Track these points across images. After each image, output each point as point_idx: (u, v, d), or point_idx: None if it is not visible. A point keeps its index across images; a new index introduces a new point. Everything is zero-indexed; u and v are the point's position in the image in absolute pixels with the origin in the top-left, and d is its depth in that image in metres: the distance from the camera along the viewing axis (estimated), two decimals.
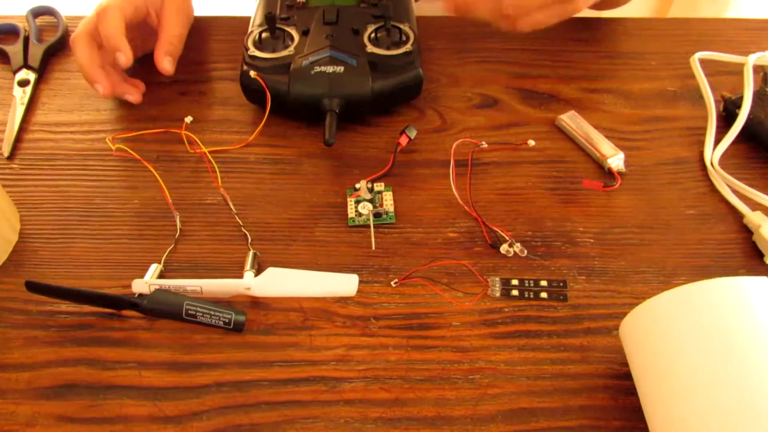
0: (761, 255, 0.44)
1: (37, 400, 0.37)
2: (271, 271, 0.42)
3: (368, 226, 0.45)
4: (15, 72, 0.57)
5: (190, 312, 0.40)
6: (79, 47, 0.51)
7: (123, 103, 0.55)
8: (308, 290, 0.42)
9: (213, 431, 0.36)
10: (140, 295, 0.41)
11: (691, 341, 0.32)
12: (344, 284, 0.42)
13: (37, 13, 0.62)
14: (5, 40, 0.60)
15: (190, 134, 0.51)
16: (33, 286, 0.40)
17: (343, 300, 0.42)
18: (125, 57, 0.50)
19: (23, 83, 0.56)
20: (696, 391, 0.31)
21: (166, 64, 0.53)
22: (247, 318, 0.40)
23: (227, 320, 0.40)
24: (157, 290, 0.40)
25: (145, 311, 0.40)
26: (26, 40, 0.59)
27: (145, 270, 0.43)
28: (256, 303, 0.42)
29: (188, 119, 0.51)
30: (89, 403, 0.37)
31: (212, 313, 0.40)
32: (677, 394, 0.32)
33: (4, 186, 0.46)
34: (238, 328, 0.40)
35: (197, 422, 0.37)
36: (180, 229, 0.45)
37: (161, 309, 0.40)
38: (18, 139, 0.52)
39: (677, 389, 0.32)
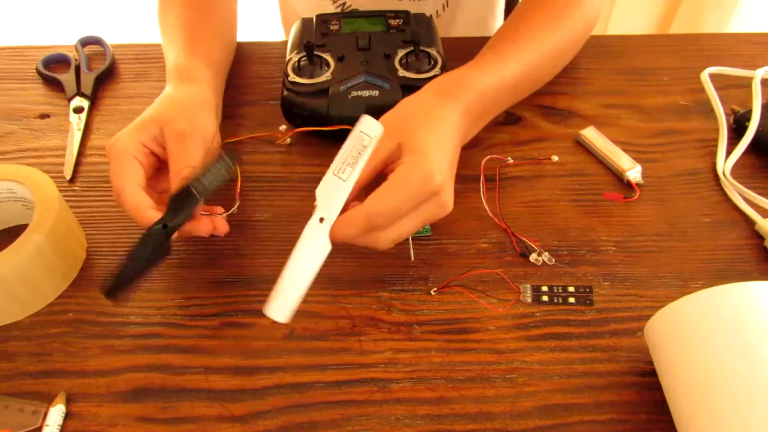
0: None
1: (117, 402, 0.41)
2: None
3: (406, 239, 0.49)
4: (70, 99, 0.61)
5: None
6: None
7: None
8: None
9: (276, 428, 0.40)
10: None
11: (713, 340, 0.36)
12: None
13: (85, 42, 0.67)
14: (58, 69, 0.64)
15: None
16: (110, 292, 0.41)
17: (387, 308, 0.46)
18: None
19: (78, 110, 0.60)
20: (718, 387, 0.34)
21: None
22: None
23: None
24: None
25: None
26: (77, 69, 0.64)
27: (204, 284, 0.47)
28: (308, 312, 0.45)
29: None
30: (163, 404, 0.41)
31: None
32: (702, 390, 0.35)
33: (68, 206, 0.50)
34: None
35: (262, 421, 0.40)
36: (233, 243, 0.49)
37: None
38: (77, 163, 0.56)
39: (701, 385, 0.35)
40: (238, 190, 0.50)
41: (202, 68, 0.54)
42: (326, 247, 0.42)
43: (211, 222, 0.45)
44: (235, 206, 0.49)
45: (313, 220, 0.42)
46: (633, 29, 1.30)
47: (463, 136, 0.50)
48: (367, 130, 0.43)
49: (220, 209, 0.47)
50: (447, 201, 0.44)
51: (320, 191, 0.42)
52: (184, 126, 0.46)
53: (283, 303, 0.40)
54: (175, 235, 0.43)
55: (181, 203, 0.42)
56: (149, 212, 0.43)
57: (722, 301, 0.36)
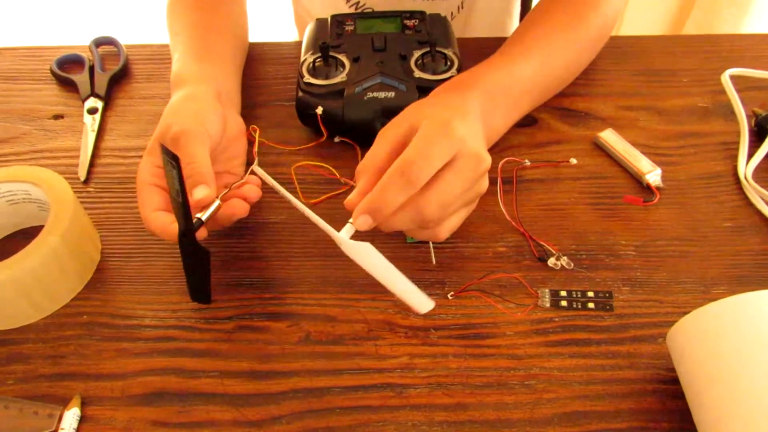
0: None
1: (132, 406, 0.41)
2: (367, 246, 0.41)
3: (423, 243, 0.49)
4: (84, 100, 0.61)
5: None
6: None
7: None
8: (388, 282, 0.42)
9: None
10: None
11: (738, 349, 0.35)
12: (421, 301, 0.43)
13: (99, 43, 0.66)
14: (72, 69, 0.64)
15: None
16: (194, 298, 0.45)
17: (404, 311, 0.45)
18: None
19: (92, 111, 0.60)
20: (744, 396, 0.34)
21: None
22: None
23: None
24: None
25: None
26: (91, 69, 0.63)
27: (218, 287, 0.47)
28: (323, 316, 0.45)
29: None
30: (179, 409, 0.41)
31: None
32: (726, 399, 0.34)
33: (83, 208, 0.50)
34: None
35: (277, 426, 0.40)
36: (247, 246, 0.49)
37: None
38: (92, 164, 0.56)
39: (726, 394, 0.34)
40: (256, 149, 0.50)
41: (201, 66, 0.54)
42: (367, 246, 0.41)
43: (241, 199, 0.46)
44: (255, 163, 0.49)
45: (348, 242, 0.42)
46: (646, 28, 1.28)
47: (480, 114, 0.48)
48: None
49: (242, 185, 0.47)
50: (479, 151, 0.43)
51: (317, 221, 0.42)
52: (176, 130, 0.46)
53: (415, 298, 0.42)
54: (221, 226, 0.46)
55: (177, 212, 0.42)
56: (172, 227, 0.43)
57: (748, 309, 0.36)
